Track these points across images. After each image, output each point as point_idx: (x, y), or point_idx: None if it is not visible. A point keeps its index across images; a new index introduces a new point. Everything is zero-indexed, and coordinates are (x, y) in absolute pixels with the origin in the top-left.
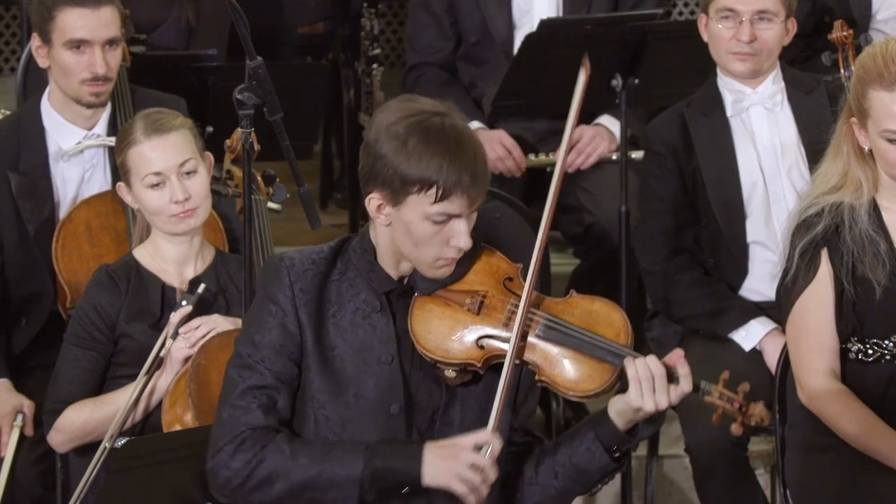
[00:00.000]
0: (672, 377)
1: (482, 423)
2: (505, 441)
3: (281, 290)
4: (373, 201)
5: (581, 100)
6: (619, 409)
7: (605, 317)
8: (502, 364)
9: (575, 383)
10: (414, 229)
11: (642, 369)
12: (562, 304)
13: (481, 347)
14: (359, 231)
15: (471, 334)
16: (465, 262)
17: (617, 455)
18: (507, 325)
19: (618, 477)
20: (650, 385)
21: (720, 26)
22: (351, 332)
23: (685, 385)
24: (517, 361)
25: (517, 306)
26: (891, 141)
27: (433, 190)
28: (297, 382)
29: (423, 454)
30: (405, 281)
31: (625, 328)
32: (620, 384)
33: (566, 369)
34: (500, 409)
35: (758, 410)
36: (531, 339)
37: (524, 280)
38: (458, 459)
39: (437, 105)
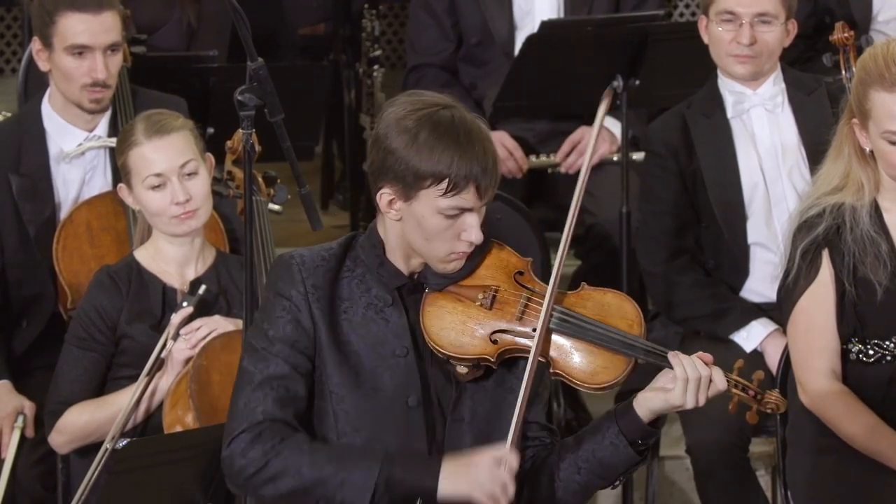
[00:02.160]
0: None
1: (492, 419)
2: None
3: (293, 286)
4: (384, 196)
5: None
6: (652, 406)
7: (617, 308)
8: (515, 358)
9: (590, 375)
10: (426, 224)
11: (692, 370)
12: (574, 297)
13: (495, 342)
14: (367, 228)
15: (484, 329)
16: (476, 258)
17: (641, 448)
18: (520, 319)
19: None
20: (696, 385)
21: (720, 29)
22: (364, 326)
23: (720, 384)
24: (541, 359)
25: (530, 300)
26: (892, 143)
27: (444, 183)
28: (311, 379)
29: (442, 468)
30: (415, 277)
31: (637, 319)
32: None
33: (580, 361)
34: (521, 416)
35: (773, 398)
36: None
37: (534, 274)
38: (480, 472)
39: (444, 99)
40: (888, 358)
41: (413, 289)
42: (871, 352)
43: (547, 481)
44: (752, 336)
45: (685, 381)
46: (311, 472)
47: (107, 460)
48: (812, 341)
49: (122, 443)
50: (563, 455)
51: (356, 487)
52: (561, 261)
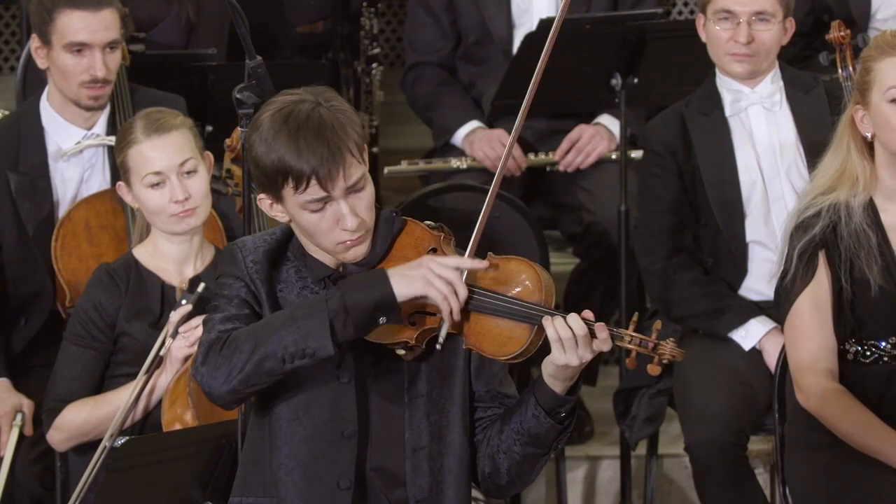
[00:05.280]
0: (592, 334)
1: (450, 393)
2: (466, 410)
3: (235, 266)
4: (263, 201)
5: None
6: (550, 371)
7: (519, 275)
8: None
9: (497, 347)
10: (301, 221)
11: (563, 329)
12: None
13: (413, 324)
14: None
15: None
16: (389, 240)
17: (562, 416)
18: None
19: (618, 476)
20: (573, 343)
21: (718, 27)
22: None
23: (604, 345)
24: (456, 334)
25: None
26: (894, 100)
27: (290, 181)
28: None
29: (389, 275)
30: (341, 268)
31: (539, 284)
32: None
33: (487, 333)
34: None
35: (668, 348)
36: None
37: (450, 248)
38: (426, 266)
39: (302, 93)
40: (885, 359)
41: (340, 279)
42: (867, 352)
43: (494, 453)
44: (750, 334)
45: (557, 340)
46: (267, 339)
47: (105, 458)
48: (808, 341)
49: (121, 440)
50: (502, 427)
51: (316, 333)
52: (475, 240)
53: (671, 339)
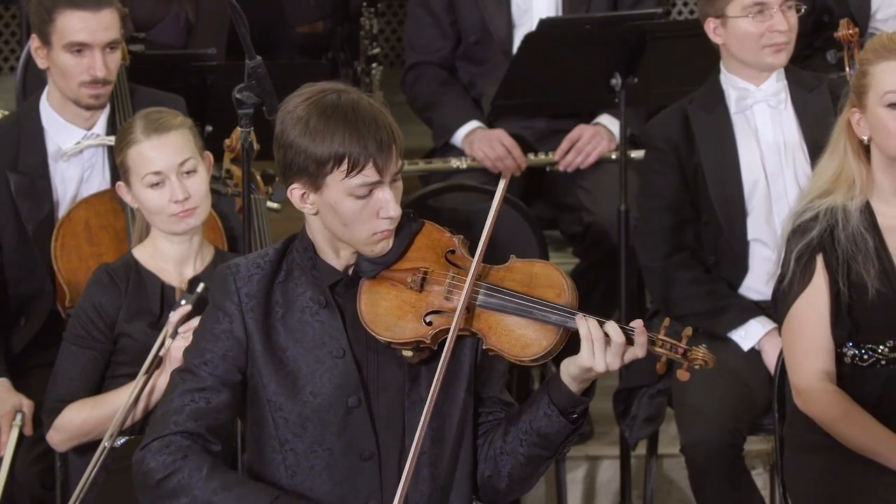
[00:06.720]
0: (629, 341)
1: (454, 397)
2: (460, 413)
3: (227, 297)
4: (295, 192)
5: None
6: (572, 372)
7: (545, 278)
8: (456, 337)
9: (521, 348)
10: (341, 209)
11: (595, 330)
12: (503, 271)
13: (428, 324)
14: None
15: (416, 312)
16: (407, 241)
17: (574, 416)
18: (448, 298)
19: (618, 476)
20: (602, 346)
21: (753, 21)
22: (300, 331)
23: (640, 351)
24: (467, 332)
25: (456, 278)
26: (892, 105)
27: (345, 164)
28: (240, 388)
29: None
30: (350, 270)
31: (565, 287)
32: (569, 346)
33: (510, 335)
34: (437, 386)
35: (700, 354)
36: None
37: (466, 251)
38: None
39: (334, 84)
40: (882, 362)
41: (350, 283)
42: (865, 356)
43: (497, 455)
44: (749, 334)
45: (589, 340)
46: (205, 495)
47: (105, 458)
48: (805, 343)
49: (121, 441)
50: (508, 428)
51: None
52: (486, 238)
53: (703, 344)
